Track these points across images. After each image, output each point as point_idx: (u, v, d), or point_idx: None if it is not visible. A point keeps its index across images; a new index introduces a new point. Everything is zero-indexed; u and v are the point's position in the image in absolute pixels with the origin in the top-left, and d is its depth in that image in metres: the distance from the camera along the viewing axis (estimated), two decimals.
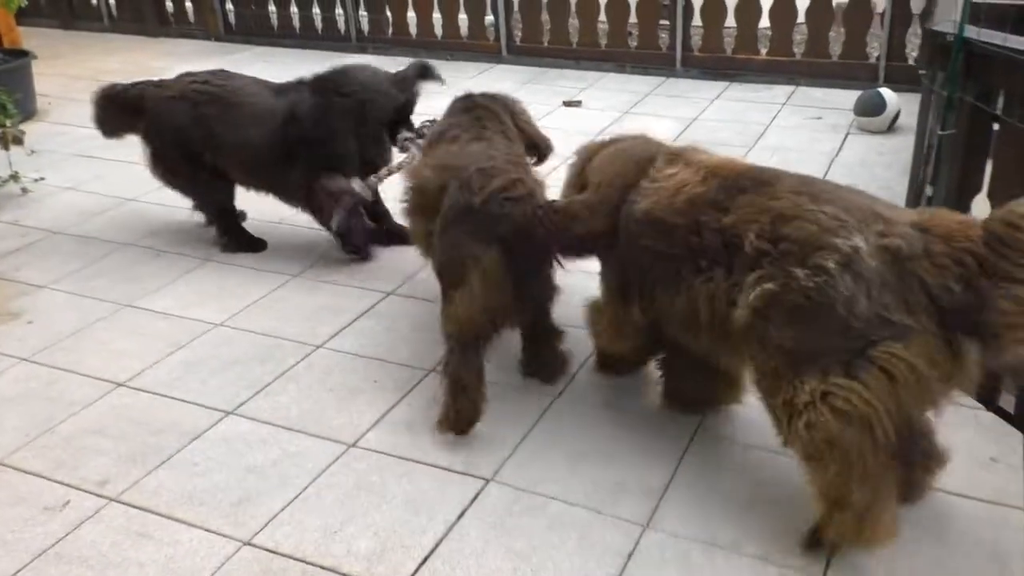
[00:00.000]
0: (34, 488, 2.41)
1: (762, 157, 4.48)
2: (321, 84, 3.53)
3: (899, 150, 4.47)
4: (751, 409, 2.43)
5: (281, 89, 3.61)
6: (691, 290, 2.11)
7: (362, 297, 3.34)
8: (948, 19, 2.52)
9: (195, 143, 3.56)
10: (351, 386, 2.79)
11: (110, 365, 2.97)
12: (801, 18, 5.71)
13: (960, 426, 2.41)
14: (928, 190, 2.56)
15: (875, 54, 5.55)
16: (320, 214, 3.54)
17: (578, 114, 5.36)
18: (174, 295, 3.44)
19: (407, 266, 3.50)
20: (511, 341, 2.73)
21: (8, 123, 4.22)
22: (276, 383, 2.83)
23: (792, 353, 1.90)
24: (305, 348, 3.02)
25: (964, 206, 2.47)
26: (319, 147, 3.44)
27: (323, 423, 2.62)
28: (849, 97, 5.20)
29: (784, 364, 1.92)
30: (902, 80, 5.25)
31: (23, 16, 6.77)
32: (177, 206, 3.98)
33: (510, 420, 2.57)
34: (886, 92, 4.81)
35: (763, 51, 5.90)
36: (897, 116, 4.77)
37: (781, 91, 5.58)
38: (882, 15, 5.45)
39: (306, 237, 3.86)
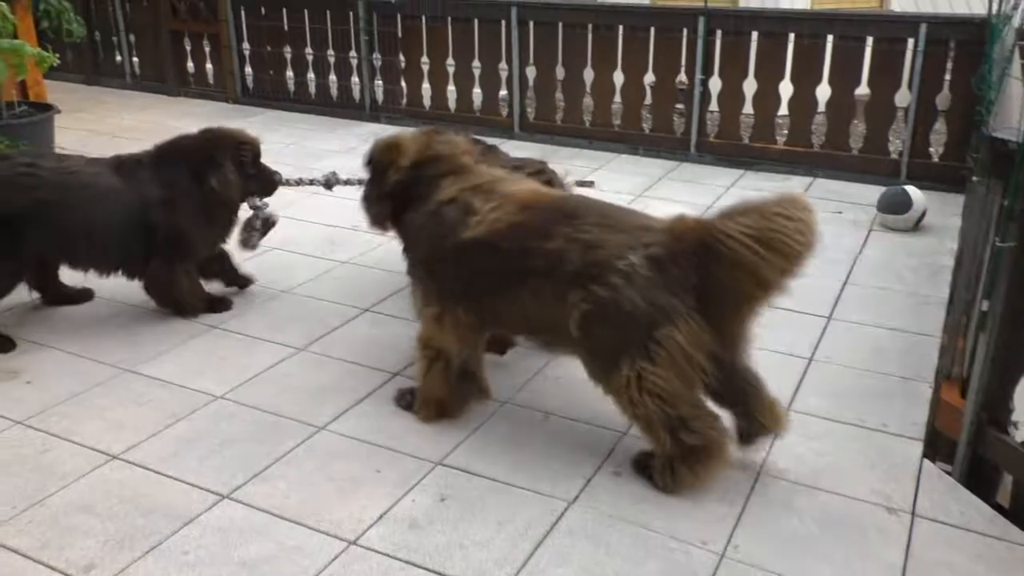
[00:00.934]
0: (16, 568, 2.26)
1: None
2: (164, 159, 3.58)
3: (928, 252, 4.40)
4: None
5: (121, 165, 3.58)
6: (520, 298, 2.65)
7: (368, 377, 3.22)
8: (1009, 126, 2.45)
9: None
10: (353, 475, 2.65)
11: (105, 435, 2.84)
12: (821, 108, 5.74)
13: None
14: (983, 304, 2.45)
15: (897, 149, 5.54)
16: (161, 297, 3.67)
17: (591, 194, 5.31)
18: (176, 361, 3.32)
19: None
20: None
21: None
22: (275, 467, 2.69)
23: (609, 350, 2.52)
24: (307, 429, 2.88)
25: None
26: (173, 235, 3.54)
27: (322, 515, 2.46)
28: (869, 191, 5.18)
29: (606, 359, 2.54)
30: (925, 177, 5.24)
31: (49, 70, 6.83)
32: None
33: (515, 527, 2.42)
34: (912, 190, 4.74)
35: (780, 140, 5.92)
36: (923, 215, 4.70)
37: (798, 182, 5.56)
38: (905, 110, 5.45)
39: (315, 308, 3.76)
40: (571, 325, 2.54)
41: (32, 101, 5.97)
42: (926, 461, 2.68)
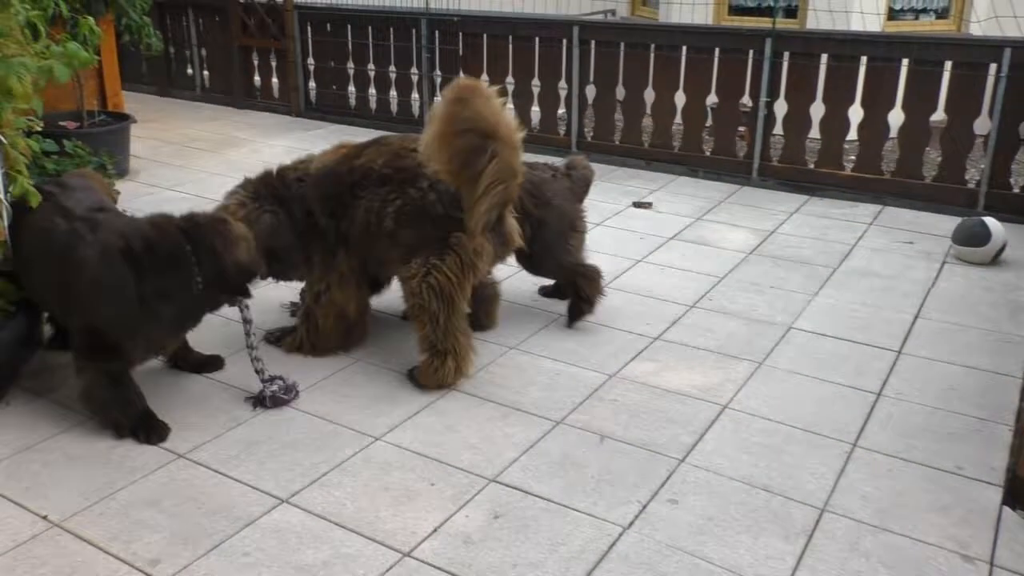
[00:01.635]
0: (88, 558, 2.33)
1: (849, 281, 4.30)
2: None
3: (1007, 287, 4.24)
4: None
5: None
6: (355, 213, 3.19)
7: (422, 390, 3.22)
8: None
9: None
10: (408, 487, 2.64)
11: (173, 435, 2.89)
12: (893, 134, 5.60)
13: None
14: None
15: (974, 179, 5.36)
16: None
17: (648, 216, 5.28)
18: (240, 364, 3.37)
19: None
20: None
21: (106, 182, 4.34)
22: (332, 474, 2.70)
23: (409, 245, 3.09)
24: (363, 439, 2.90)
25: None
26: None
27: (377, 526, 2.46)
28: (942, 222, 5.02)
29: (404, 252, 3.11)
30: (1004, 208, 5.05)
31: (126, 81, 7.10)
32: None
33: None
34: (991, 222, 4.53)
35: (848, 166, 5.79)
36: (1003, 249, 4.50)
37: (866, 210, 5.42)
38: (985, 138, 5.28)
39: (372, 319, 3.79)
40: (386, 221, 3.09)
41: (110, 111, 6.19)
42: (1005, 508, 2.56)
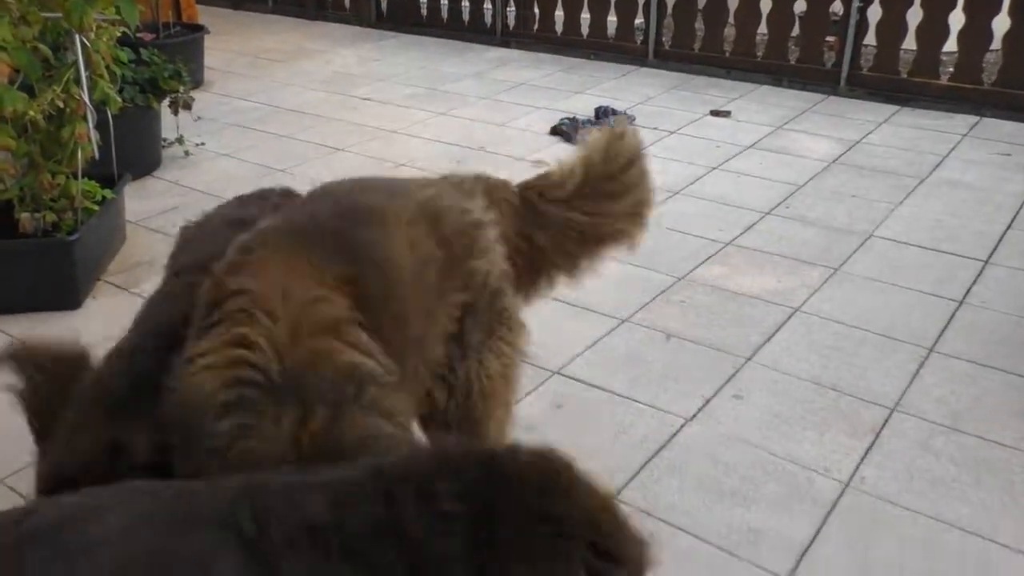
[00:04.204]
0: None
1: (937, 192, 4.10)
2: None
3: None
4: None
5: None
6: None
7: None
8: None
9: None
10: None
11: None
12: (996, 44, 5.22)
13: None
14: None
15: None
16: None
17: (726, 124, 5.11)
18: None
19: None
20: None
21: (181, 89, 4.43)
22: None
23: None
24: None
25: None
26: None
27: None
28: None
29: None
30: None
31: None
32: (324, 180, 4.02)
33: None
34: None
35: (944, 76, 5.44)
36: None
37: (962, 121, 5.11)
38: None
39: None
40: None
41: (185, 23, 6.27)
42: None
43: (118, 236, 3.56)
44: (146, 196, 4.05)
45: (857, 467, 2.27)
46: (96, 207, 3.22)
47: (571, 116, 5.05)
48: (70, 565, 1.04)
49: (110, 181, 3.42)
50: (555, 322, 2.99)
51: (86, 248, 3.14)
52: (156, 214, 3.89)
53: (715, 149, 4.68)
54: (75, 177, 3.10)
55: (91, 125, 3.14)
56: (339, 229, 1.56)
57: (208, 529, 1.09)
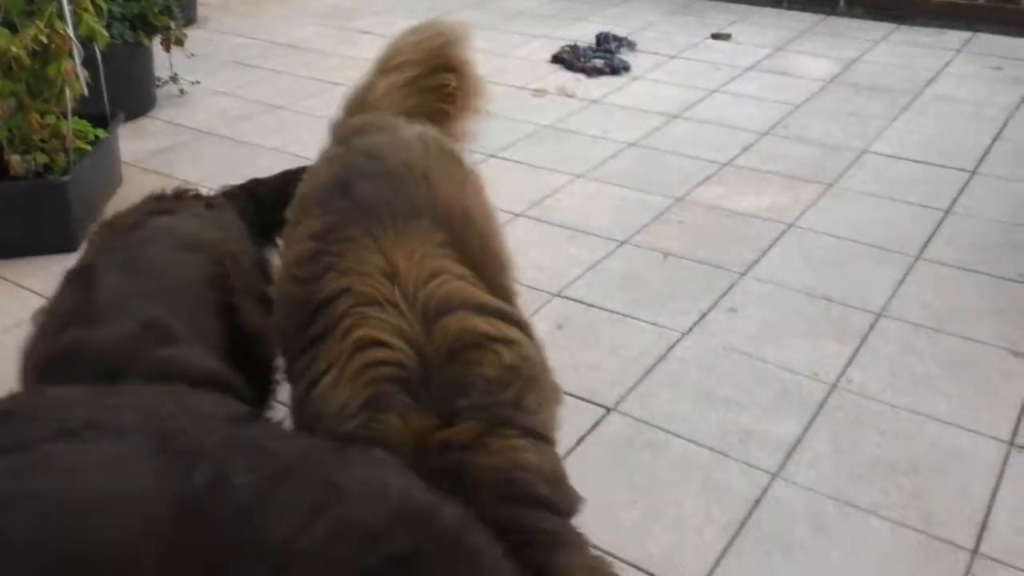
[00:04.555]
0: None
1: (931, 107, 4.14)
2: None
3: None
4: None
5: None
6: None
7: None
8: None
9: None
10: None
11: None
12: None
13: None
14: None
15: None
16: None
17: (726, 47, 5.11)
18: None
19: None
20: None
21: (172, 25, 4.40)
22: None
23: None
24: None
25: None
26: None
27: None
28: None
29: None
30: None
31: None
32: (324, 116, 4.06)
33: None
34: None
35: None
36: None
37: (956, 37, 5.10)
38: None
39: None
40: None
41: None
42: None
43: (114, 177, 3.56)
44: (141, 136, 4.08)
45: (844, 370, 2.40)
46: (88, 147, 3.19)
47: (572, 44, 5.05)
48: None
49: (102, 121, 3.38)
50: (555, 247, 3.09)
51: (80, 189, 3.11)
52: (152, 154, 3.93)
53: (715, 72, 4.70)
54: (65, 117, 3.05)
55: (78, 62, 3.06)
56: (403, 191, 1.42)
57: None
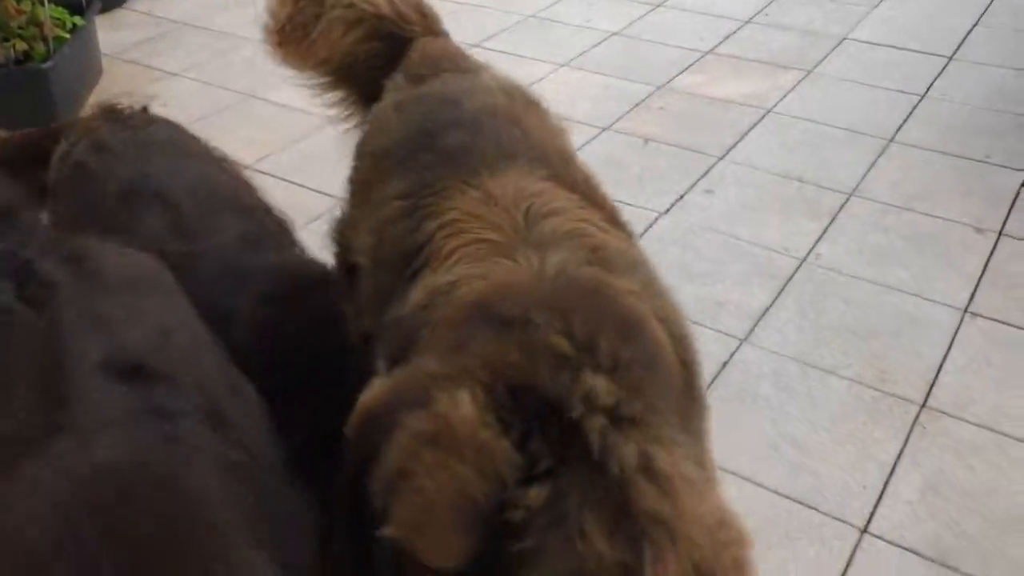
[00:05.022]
0: None
1: None
2: None
3: None
4: None
5: None
6: None
7: None
8: None
9: None
10: None
11: (238, 149, 3.11)
12: None
13: None
14: None
15: None
16: None
17: None
18: (295, 91, 3.53)
19: None
20: None
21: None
22: None
23: None
24: None
25: None
26: None
27: None
28: None
29: None
30: None
31: None
32: None
33: None
34: None
35: None
36: None
37: None
38: None
39: None
40: None
41: None
42: None
43: (94, 68, 3.56)
44: (119, 28, 4.01)
45: (814, 245, 2.52)
46: (67, 35, 3.19)
47: None
48: None
49: (79, 9, 3.37)
50: None
51: (62, 78, 3.11)
52: (131, 46, 3.88)
53: None
54: (42, 3, 3.05)
55: None
56: (492, 136, 1.30)
57: None
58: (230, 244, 1.45)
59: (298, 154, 3.10)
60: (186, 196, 1.55)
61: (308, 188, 2.91)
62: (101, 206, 1.57)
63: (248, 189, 1.74)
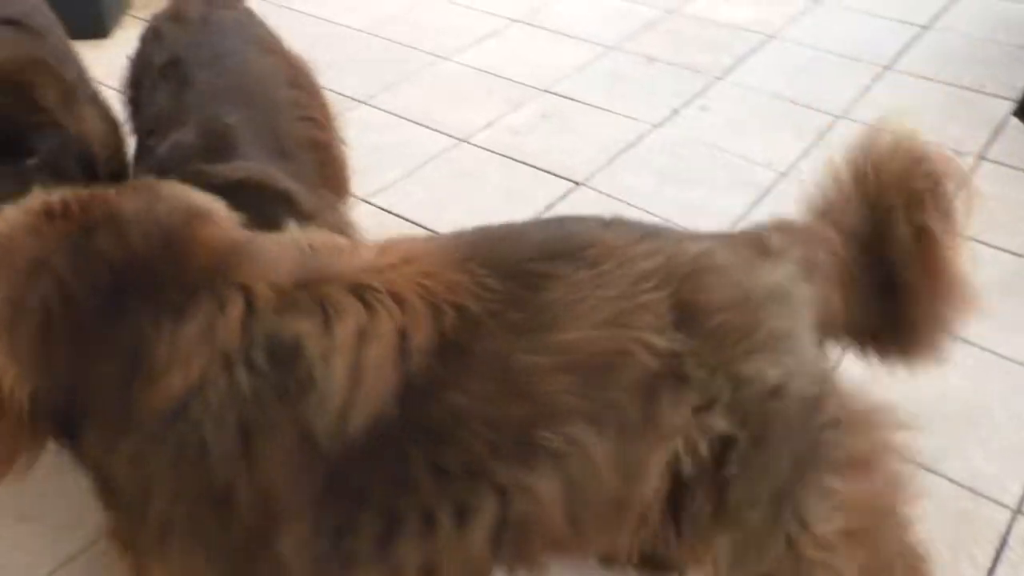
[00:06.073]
0: None
1: None
2: None
3: None
4: None
5: None
6: None
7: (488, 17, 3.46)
8: None
9: None
10: (466, 95, 3.00)
11: None
12: None
13: None
14: None
15: None
16: None
17: None
18: None
19: None
20: None
21: None
22: (402, 84, 3.07)
23: None
24: (431, 58, 3.22)
25: None
26: None
27: (438, 119, 2.85)
28: None
29: None
30: None
31: None
32: None
33: None
34: None
35: None
36: None
37: None
38: None
39: None
40: None
41: None
42: (1012, 118, 2.75)
43: None
44: None
45: (796, 162, 2.62)
46: None
47: None
48: None
49: None
50: (548, 49, 3.24)
51: None
52: None
53: None
54: None
55: None
56: None
57: None
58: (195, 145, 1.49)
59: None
60: (210, 78, 1.60)
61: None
62: (149, 69, 1.71)
63: (292, 85, 1.74)
